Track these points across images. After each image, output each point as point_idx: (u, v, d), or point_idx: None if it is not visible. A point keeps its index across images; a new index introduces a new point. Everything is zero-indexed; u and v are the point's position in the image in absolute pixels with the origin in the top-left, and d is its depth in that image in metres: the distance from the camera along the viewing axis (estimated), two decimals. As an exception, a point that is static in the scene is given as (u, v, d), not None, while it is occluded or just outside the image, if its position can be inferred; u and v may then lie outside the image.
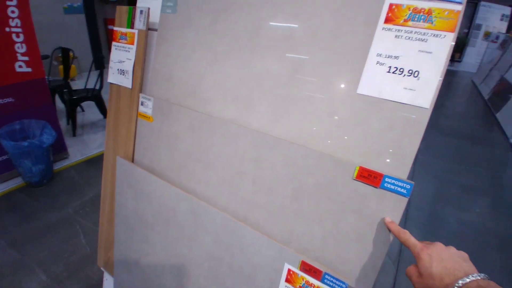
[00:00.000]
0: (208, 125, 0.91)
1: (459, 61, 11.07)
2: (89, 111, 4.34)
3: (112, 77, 1.18)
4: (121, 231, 1.25)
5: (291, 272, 0.77)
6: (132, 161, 1.15)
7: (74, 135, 3.60)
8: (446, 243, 0.54)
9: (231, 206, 0.89)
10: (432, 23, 0.59)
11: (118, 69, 1.15)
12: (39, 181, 2.63)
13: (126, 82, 1.14)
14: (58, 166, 2.98)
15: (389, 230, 0.64)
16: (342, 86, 0.71)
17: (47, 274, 1.90)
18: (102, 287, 1.81)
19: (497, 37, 8.97)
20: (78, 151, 3.29)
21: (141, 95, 1.09)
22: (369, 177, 0.67)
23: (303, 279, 0.75)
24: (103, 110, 3.91)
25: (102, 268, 1.50)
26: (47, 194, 2.60)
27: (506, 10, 10.24)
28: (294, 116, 0.77)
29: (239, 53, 0.85)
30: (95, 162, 3.11)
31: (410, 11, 0.61)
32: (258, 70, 0.82)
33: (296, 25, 0.76)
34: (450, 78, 8.99)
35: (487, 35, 10.35)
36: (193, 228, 0.96)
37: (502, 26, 10.27)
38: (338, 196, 0.71)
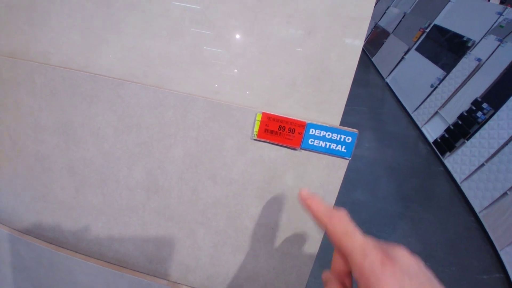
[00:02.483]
0: None
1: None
2: None
3: None
4: None
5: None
6: None
7: None
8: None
9: (42, 223, 0.47)
10: None
11: None
12: None
13: None
14: None
15: (309, 212, 0.22)
16: None
17: None
18: None
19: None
20: None
21: None
22: (281, 131, 0.34)
23: (189, 321, 0.43)
24: None
25: None
26: None
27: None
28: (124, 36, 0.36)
29: None
30: None
31: None
32: None
33: None
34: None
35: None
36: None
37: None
38: (229, 172, 0.38)
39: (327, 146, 0.34)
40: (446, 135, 2.63)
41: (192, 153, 0.38)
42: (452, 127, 2.59)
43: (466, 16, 3.16)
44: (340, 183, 0.36)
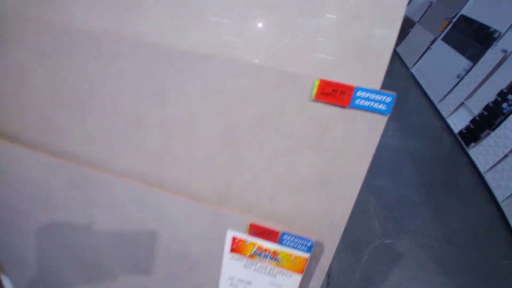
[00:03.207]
0: (69, 44, 0.54)
1: None
2: None
3: None
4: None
5: (237, 240, 0.55)
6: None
7: None
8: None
9: (135, 167, 0.60)
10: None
11: None
12: None
13: None
14: None
15: None
16: None
17: None
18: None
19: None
20: None
21: None
22: (334, 93, 0.44)
23: (253, 245, 0.55)
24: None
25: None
26: None
27: None
28: (208, 17, 0.47)
29: None
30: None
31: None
32: None
33: None
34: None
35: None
36: (83, 208, 0.65)
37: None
38: (290, 128, 0.48)
39: (371, 105, 0.44)
40: (472, 126, 2.62)
41: (261, 112, 0.48)
42: (477, 118, 2.57)
43: (493, 7, 3.07)
44: (380, 136, 0.46)
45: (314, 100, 0.45)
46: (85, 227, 0.68)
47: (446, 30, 3.67)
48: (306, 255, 0.53)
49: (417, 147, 2.63)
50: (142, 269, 0.68)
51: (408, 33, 4.60)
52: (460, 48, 3.27)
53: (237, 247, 0.57)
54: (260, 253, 0.56)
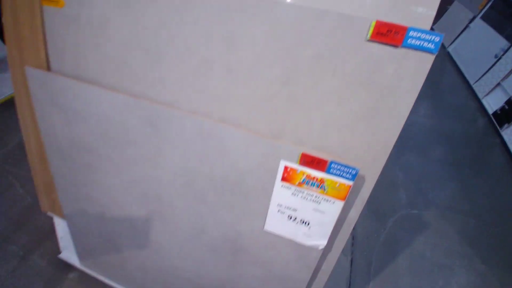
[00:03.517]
0: (151, -6, 0.63)
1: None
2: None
3: None
4: (58, 166, 1.00)
5: (289, 169, 0.64)
6: (48, 70, 0.84)
7: (-29, 74, 2.81)
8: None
9: (200, 107, 0.69)
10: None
11: None
12: None
13: None
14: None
15: None
16: None
17: (-14, 233, 1.61)
18: (55, 234, 1.60)
19: None
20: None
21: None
22: (388, 33, 0.50)
23: (303, 174, 0.64)
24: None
25: (49, 214, 1.27)
26: (-44, 147, 2.09)
27: None
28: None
29: None
30: (11, 106, 2.52)
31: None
32: None
33: None
34: None
35: None
36: (154, 143, 0.76)
37: None
38: (344, 67, 0.55)
39: (421, 44, 0.50)
40: (506, 107, 2.54)
41: (322, 53, 0.55)
42: (514, 98, 2.48)
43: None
44: (426, 73, 0.52)
45: (369, 40, 0.52)
46: (153, 160, 0.79)
47: (485, 8, 3.47)
48: (350, 182, 0.61)
49: (449, 126, 2.59)
50: (200, 198, 0.80)
51: (446, 10, 4.37)
52: (499, 27, 3.10)
53: (288, 176, 0.66)
54: (308, 181, 0.64)
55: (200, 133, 0.69)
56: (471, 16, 3.67)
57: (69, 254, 1.47)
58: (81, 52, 0.76)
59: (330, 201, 0.65)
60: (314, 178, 0.63)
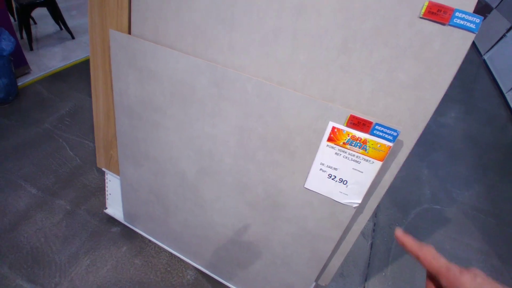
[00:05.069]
0: (232, -29, 0.74)
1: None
2: (41, 23, 3.67)
3: None
4: (124, 123, 1.14)
5: (336, 130, 0.74)
6: (129, 34, 0.98)
7: (31, 49, 3.09)
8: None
9: (263, 71, 0.81)
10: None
11: None
12: (5, 98, 2.31)
13: None
14: (21, 82, 2.61)
15: (403, 247, 0.32)
16: None
17: (37, 187, 1.80)
18: (103, 191, 1.77)
19: None
20: (39, 65, 2.86)
21: None
22: (438, 12, 0.59)
23: (348, 134, 0.73)
24: (58, 19, 3.32)
25: (103, 169, 1.43)
26: (17, 111, 2.32)
27: None
28: None
29: None
30: (63, 76, 2.76)
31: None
32: None
33: None
34: None
35: None
36: (216, 102, 0.88)
37: None
38: (397, 40, 0.64)
39: (464, 24, 0.58)
40: (541, 116, 2.49)
41: (376, 26, 0.65)
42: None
43: None
44: (467, 49, 0.60)
45: (421, 17, 0.61)
46: (212, 119, 0.92)
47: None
48: (391, 143, 0.70)
49: (479, 131, 2.58)
50: (250, 157, 0.91)
51: (484, 18, 4.28)
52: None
53: (334, 136, 0.76)
54: (352, 141, 0.74)
55: (259, 95, 0.80)
56: (508, 26, 3.60)
57: (114, 210, 1.63)
58: (162, 19, 0.88)
59: (369, 161, 0.74)
60: (358, 138, 0.73)
